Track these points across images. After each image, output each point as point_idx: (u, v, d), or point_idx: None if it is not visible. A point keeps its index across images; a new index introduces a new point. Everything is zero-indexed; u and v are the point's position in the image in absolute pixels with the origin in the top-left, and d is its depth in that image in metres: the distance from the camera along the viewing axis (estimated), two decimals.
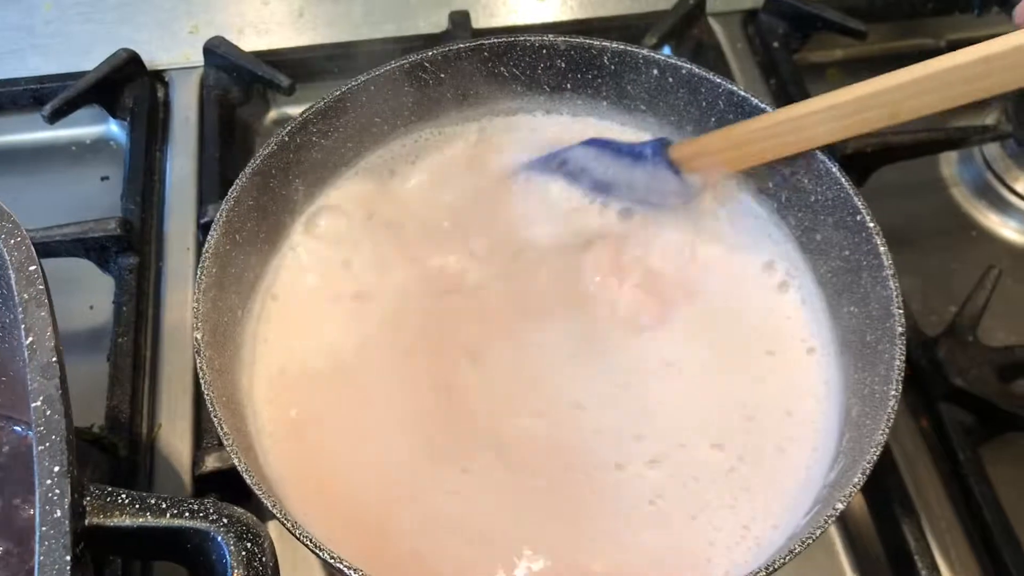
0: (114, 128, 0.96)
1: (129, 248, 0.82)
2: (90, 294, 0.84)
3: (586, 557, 0.55)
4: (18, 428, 0.66)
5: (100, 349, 0.79)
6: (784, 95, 0.94)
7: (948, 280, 0.86)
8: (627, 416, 0.61)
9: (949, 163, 0.96)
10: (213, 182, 0.86)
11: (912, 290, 0.83)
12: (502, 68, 0.69)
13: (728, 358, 0.63)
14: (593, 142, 0.69)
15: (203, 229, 0.83)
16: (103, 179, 0.94)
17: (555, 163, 0.71)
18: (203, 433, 0.73)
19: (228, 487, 0.67)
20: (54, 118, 0.89)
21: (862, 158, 0.86)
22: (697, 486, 0.57)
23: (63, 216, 0.81)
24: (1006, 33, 0.99)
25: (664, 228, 0.69)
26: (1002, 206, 0.92)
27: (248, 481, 0.48)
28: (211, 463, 0.68)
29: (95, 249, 0.81)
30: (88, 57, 0.93)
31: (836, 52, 1.03)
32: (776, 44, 0.98)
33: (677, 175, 0.67)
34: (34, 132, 0.95)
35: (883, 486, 0.72)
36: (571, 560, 0.55)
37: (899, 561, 0.70)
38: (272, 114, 0.95)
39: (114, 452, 0.71)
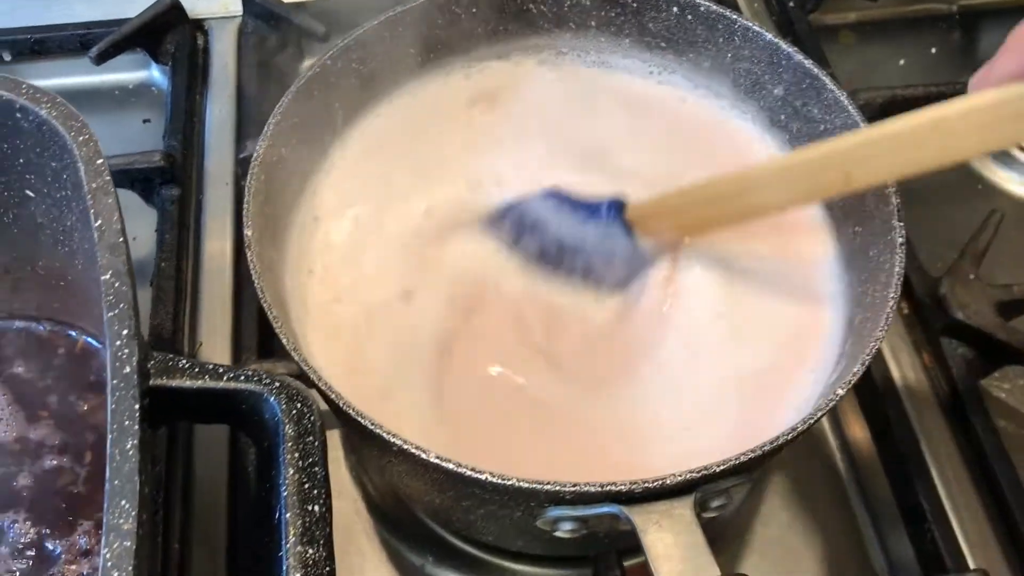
0: (156, 74, 1.00)
1: (172, 180, 0.86)
2: (134, 227, 0.86)
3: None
4: (72, 332, 0.71)
5: (144, 278, 0.82)
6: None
7: (953, 230, 0.88)
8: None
9: None
10: (250, 123, 0.90)
11: (919, 239, 0.86)
12: (531, 5, 0.73)
13: (747, 276, 0.67)
14: (551, 194, 0.68)
15: (241, 164, 0.87)
16: (145, 121, 0.98)
17: (509, 217, 0.69)
18: (241, 351, 0.77)
19: None
20: (100, 60, 0.93)
21: (872, 109, 0.89)
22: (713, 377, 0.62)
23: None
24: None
25: None
26: (1007, 160, 0.95)
27: (290, 349, 0.52)
28: None
29: (139, 180, 0.85)
30: (132, 5, 0.97)
31: (850, 15, 1.07)
32: (792, 4, 1.01)
33: (631, 237, 0.65)
34: (80, 76, 1.00)
35: (887, 418, 0.75)
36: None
37: (900, 484, 0.73)
38: (307, 61, 0.99)
39: None
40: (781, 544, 0.73)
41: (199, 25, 1.01)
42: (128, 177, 0.85)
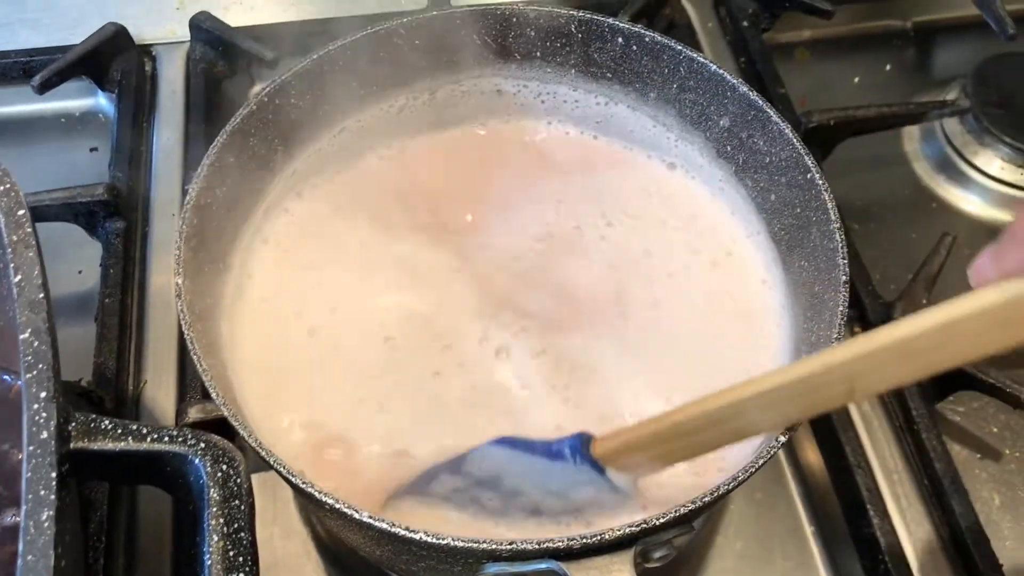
0: (102, 101, 0.99)
1: (116, 213, 0.84)
2: (78, 260, 0.87)
3: None
4: (7, 377, 0.69)
5: (88, 312, 0.82)
6: (753, 73, 0.98)
7: (908, 251, 0.89)
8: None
9: (911, 139, 0.99)
10: (198, 151, 0.87)
11: (873, 260, 0.86)
12: (474, 36, 0.72)
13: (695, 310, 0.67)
14: (503, 441, 0.58)
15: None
16: (92, 150, 0.97)
17: (458, 468, 0.59)
18: (187, 388, 0.76)
19: None
20: (43, 89, 0.91)
21: (825, 131, 0.90)
22: None
23: (54, 185, 0.84)
24: (964, 15, 1.04)
25: None
26: (961, 180, 0.95)
27: (219, 404, 0.51)
28: (194, 414, 0.70)
29: (83, 214, 0.84)
30: (77, 31, 0.96)
31: (804, 32, 1.07)
32: (746, 24, 1.01)
33: (602, 475, 0.56)
34: (24, 104, 0.98)
35: (839, 442, 0.75)
36: None
37: (853, 510, 0.73)
38: (256, 87, 0.97)
39: (101, 405, 0.74)
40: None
41: (146, 51, 0.99)
42: (71, 210, 0.84)
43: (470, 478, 0.58)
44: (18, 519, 0.62)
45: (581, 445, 0.55)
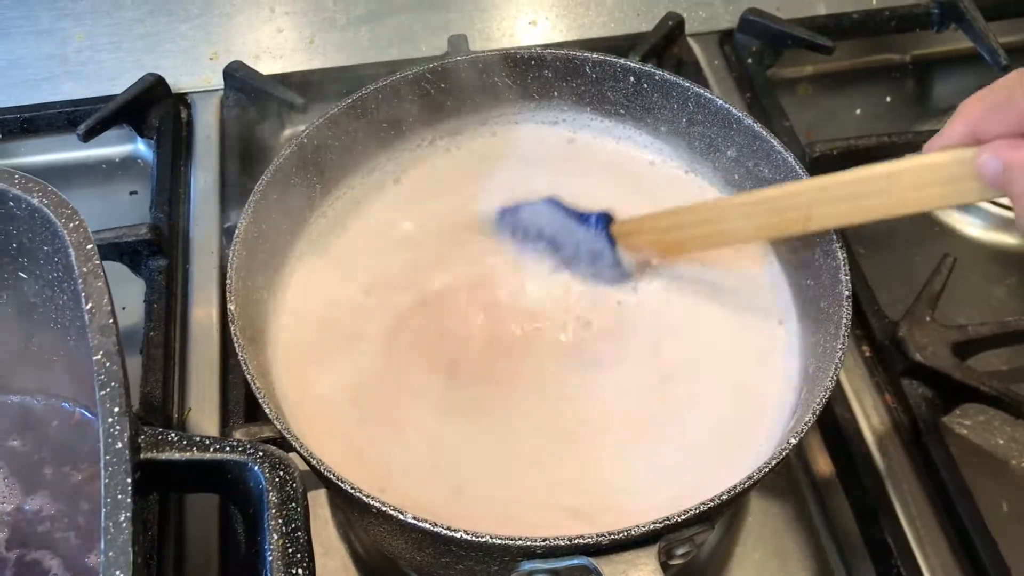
0: (141, 147, 1.04)
1: (159, 251, 0.89)
2: (123, 298, 0.91)
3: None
4: (66, 405, 0.73)
5: (134, 345, 0.85)
6: (759, 107, 1.02)
7: (912, 273, 0.92)
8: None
9: None
10: (234, 193, 0.94)
11: (879, 282, 0.90)
12: (495, 79, 0.77)
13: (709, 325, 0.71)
14: (550, 201, 0.75)
15: (226, 234, 0.91)
16: (132, 194, 1.02)
17: (516, 215, 0.76)
18: (229, 415, 0.80)
19: None
20: (88, 137, 0.97)
21: (829, 160, 0.94)
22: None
23: (96, 228, 0.88)
24: (960, 48, 1.09)
25: None
26: (962, 204, 0.99)
27: (273, 419, 0.55)
28: (238, 437, 0.75)
29: (128, 252, 0.89)
30: (117, 83, 1.02)
31: (807, 68, 1.12)
32: (750, 61, 1.06)
33: (614, 248, 0.72)
34: (68, 152, 1.04)
35: (851, 455, 0.78)
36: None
37: (866, 522, 0.76)
38: (287, 132, 1.02)
39: None
40: None
41: (182, 99, 1.05)
42: (117, 250, 0.88)
43: (524, 222, 0.74)
44: (65, 534, 0.67)
45: (605, 220, 0.72)
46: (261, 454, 0.51)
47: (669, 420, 0.66)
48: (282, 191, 0.70)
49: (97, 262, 0.56)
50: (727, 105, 0.71)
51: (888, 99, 1.11)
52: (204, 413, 0.81)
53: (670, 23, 1.04)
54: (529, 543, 0.51)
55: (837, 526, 0.78)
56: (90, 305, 0.54)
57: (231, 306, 0.61)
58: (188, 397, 0.83)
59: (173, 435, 0.52)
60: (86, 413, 0.71)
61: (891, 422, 0.81)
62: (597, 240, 0.72)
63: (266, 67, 1.04)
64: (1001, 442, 0.83)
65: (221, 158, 0.99)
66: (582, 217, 0.73)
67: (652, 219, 0.71)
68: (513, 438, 0.65)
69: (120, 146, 1.04)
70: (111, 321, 0.54)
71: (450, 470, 0.64)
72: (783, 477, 0.81)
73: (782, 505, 0.79)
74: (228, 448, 0.52)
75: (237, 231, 0.64)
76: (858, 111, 1.10)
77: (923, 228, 0.99)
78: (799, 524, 0.78)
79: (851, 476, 0.78)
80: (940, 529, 0.75)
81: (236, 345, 0.59)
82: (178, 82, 1.05)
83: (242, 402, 0.80)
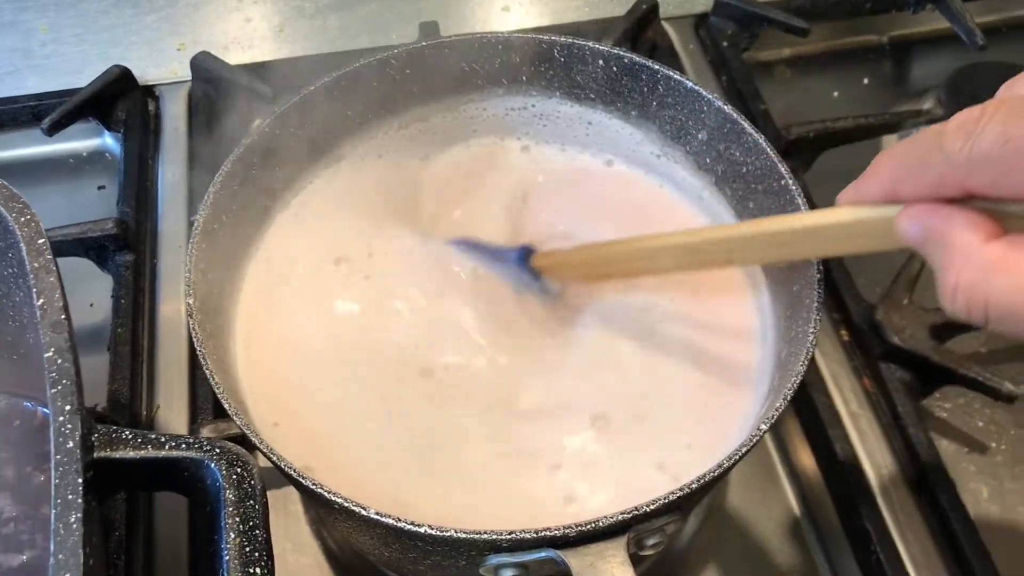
0: (108, 141, 1.02)
1: (126, 246, 0.88)
2: (90, 293, 0.90)
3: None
4: (28, 404, 0.72)
5: (101, 342, 0.84)
6: (735, 91, 1.01)
7: (889, 256, 0.91)
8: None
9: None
10: (202, 185, 0.90)
11: (857, 265, 0.89)
12: (463, 64, 0.75)
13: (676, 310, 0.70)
14: (462, 242, 0.73)
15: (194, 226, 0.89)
16: (100, 188, 1.00)
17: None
18: (198, 411, 0.79)
19: None
20: (53, 131, 0.95)
21: (806, 143, 0.93)
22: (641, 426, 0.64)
23: (63, 223, 0.87)
24: (937, 28, 1.08)
25: None
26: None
27: (232, 414, 0.53)
28: (206, 434, 0.73)
29: (94, 248, 0.87)
30: (82, 75, 1.00)
31: (783, 50, 1.10)
32: (726, 44, 1.05)
33: (538, 280, 0.72)
34: (34, 146, 1.02)
35: (829, 440, 0.77)
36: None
37: (846, 509, 0.75)
38: (256, 122, 0.99)
39: None
40: (737, 573, 0.75)
41: (149, 91, 1.03)
42: (83, 245, 0.87)
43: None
44: (30, 536, 0.66)
45: (524, 255, 0.71)
46: (218, 451, 0.50)
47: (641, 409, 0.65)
48: (243, 181, 0.68)
49: (49, 257, 0.55)
50: (697, 87, 0.70)
51: (865, 80, 1.10)
52: (173, 410, 0.80)
53: (644, 7, 1.03)
54: (494, 537, 0.50)
55: (817, 514, 0.77)
56: (41, 301, 0.53)
57: (189, 300, 0.59)
58: (157, 394, 0.82)
59: (127, 433, 0.51)
60: (48, 412, 0.70)
61: (870, 407, 0.80)
62: (519, 275, 0.72)
63: (234, 57, 1.02)
64: (981, 424, 0.82)
65: (189, 151, 0.98)
66: (499, 253, 0.72)
67: (576, 253, 0.70)
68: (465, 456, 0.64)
69: (87, 140, 1.03)
70: (63, 317, 0.52)
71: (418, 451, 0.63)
72: (762, 465, 0.80)
73: (762, 494, 0.79)
74: (184, 445, 0.51)
75: (196, 223, 0.63)
76: (835, 93, 1.09)
77: None
78: (779, 513, 0.78)
79: (830, 463, 0.77)
80: (920, 515, 0.75)
81: (195, 341, 0.57)
82: (145, 74, 1.03)
83: (211, 398, 0.78)
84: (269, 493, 0.73)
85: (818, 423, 0.78)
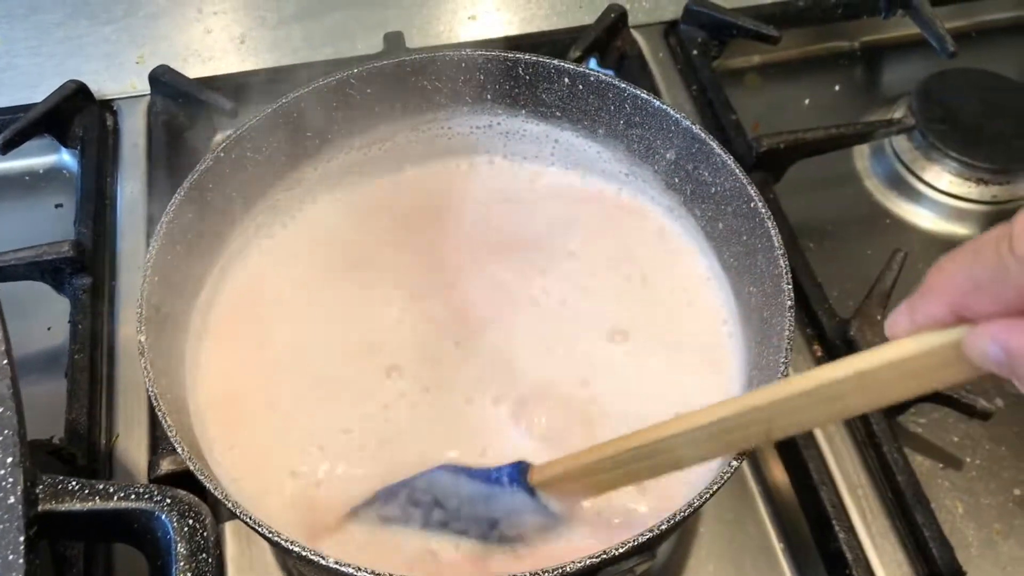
0: (66, 157, 1.00)
1: (83, 269, 0.85)
2: (47, 317, 0.88)
3: None
4: None
5: (59, 368, 0.82)
6: (705, 100, 1.00)
7: (864, 267, 0.90)
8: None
9: (862, 157, 1.01)
10: (162, 204, 0.88)
11: (830, 279, 0.88)
12: (425, 82, 0.74)
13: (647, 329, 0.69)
14: (446, 468, 0.62)
15: None
16: (57, 206, 0.98)
17: (406, 492, 0.62)
18: (159, 441, 0.76)
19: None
20: (6, 149, 0.92)
21: (776, 154, 0.92)
22: None
23: (20, 243, 0.84)
24: (909, 34, 1.07)
25: None
26: (913, 195, 0.98)
27: (185, 458, 0.52)
28: (166, 466, 0.71)
29: (50, 271, 0.85)
30: (37, 90, 0.97)
31: (754, 58, 1.09)
32: (695, 52, 1.03)
33: (536, 500, 0.59)
34: None
35: (803, 459, 0.76)
36: None
37: (820, 526, 0.74)
38: (218, 137, 0.98)
39: (73, 462, 0.74)
40: None
41: (107, 106, 1.00)
42: (38, 268, 0.84)
43: (418, 498, 0.61)
44: None
45: (518, 474, 0.59)
46: (169, 501, 0.48)
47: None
48: (198, 209, 0.66)
49: None
50: (665, 106, 0.69)
51: (837, 87, 1.09)
52: (133, 439, 0.78)
53: (612, 15, 1.01)
54: None
55: (791, 534, 0.76)
56: None
57: (141, 337, 0.57)
58: (116, 422, 0.79)
59: (74, 483, 0.49)
60: None
61: (844, 424, 0.79)
62: (515, 498, 0.59)
63: (194, 70, 1.00)
64: (956, 439, 0.81)
65: (149, 167, 0.96)
66: (490, 477, 0.60)
67: (577, 459, 0.58)
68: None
69: (43, 156, 1.00)
70: (5, 362, 0.50)
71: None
72: (737, 484, 0.79)
73: (736, 513, 0.78)
74: (134, 495, 0.49)
75: (148, 256, 0.61)
76: (807, 101, 1.08)
77: (873, 220, 0.98)
78: (754, 532, 0.77)
79: (804, 481, 0.76)
80: (895, 534, 0.74)
81: (146, 379, 0.56)
82: (102, 88, 1.00)
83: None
84: (232, 523, 0.72)
85: (791, 442, 0.77)
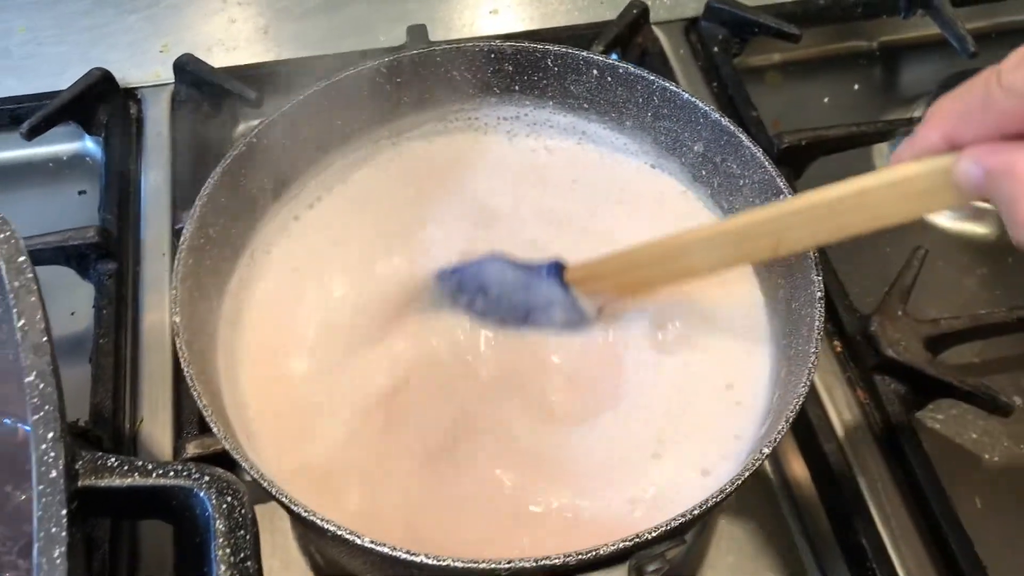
0: (90, 144, 1.00)
1: (107, 255, 0.86)
2: (72, 301, 0.88)
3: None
4: (8, 420, 0.70)
5: (83, 352, 0.82)
6: (726, 97, 1.00)
7: (884, 265, 0.91)
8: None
9: (882, 155, 1.01)
10: (186, 191, 0.90)
11: (850, 275, 0.88)
12: (454, 72, 0.74)
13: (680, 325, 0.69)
14: (494, 257, 0.69)
15: (177, 235, 0.87)
16: (80, 193, 0.98)
17: (457, 277, 0.70)
18: (183, 424, 0.77)
19: None
20: (32, 135, 0.93)
21: (798, 151, 0.92)
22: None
23: (43, 229, 0.85)
24: (928, 34, 1.07)
25: None
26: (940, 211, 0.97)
27: (221, 439, 0.52)
28: (192, 449, 0.71)
29: (75, 256, 0.85)
30: (62, 77, 0.98)
31: (774, 56, 1.10)
32: (716, 49, 1.03)
33: (569, 296, 0.67)
34: (13, 150, 0.99)
35: (823, 454, 0.76)
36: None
37: (841, 523, 0.75)
38: (241, 127, 0.99)
39: (99, 445, 0.74)
40: None
41: (131, 94, 1.01)
42: (63, 253, 0.85)
43: (467, 283, 0.69)
44: (11, 558, 0.64)
45: (556, 268, 0.67)
46: (207, 479, 0.49)
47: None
48: (231, 194, 0.67)
49: (30, 276, 0.53)
50: (693, 99, 0.69)
51: (856, 86, 1.09)
52: (157, 423, 0.78)
53: (634, 11, 1.01)
54: (493, 566, 0.48)
55: (811, 527, 0.76)
56: (22, 322, 0.51)
57: (176, 318, 0.58)
58: (140, 407, 0.80)
59: (113, 460, 0.49)
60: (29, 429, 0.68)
61: (863, 418, 0.79)
62: (550, 290, 0.67)
63: (218, 60, 1.00)
64: (975, 436, 0.82)
65: (172, 155, 0.96)
66: (531, 269, 0.68)
67: (607, 261, 0.66)
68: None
69: (67, 144, 1.00)
70: (45, 340, 0.51)
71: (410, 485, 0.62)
72: (756, 478, 0.79)
73: (755, 507, 0.78)
74: (172, 473, 0.49)
75: (183, 238, 0.61)
76: (826, 99, 1.08)
77: None
78: (773, 526, 0.77)
79: (824, 475, 0.77)
80: (915, 529, 0.74)
81: (182, 360, 0.56)
82: (127, 76, 1.01)
83: (196, 411, 0.76)
84: (256, 507, 0.72)
85: (811, 435, 0.78)
